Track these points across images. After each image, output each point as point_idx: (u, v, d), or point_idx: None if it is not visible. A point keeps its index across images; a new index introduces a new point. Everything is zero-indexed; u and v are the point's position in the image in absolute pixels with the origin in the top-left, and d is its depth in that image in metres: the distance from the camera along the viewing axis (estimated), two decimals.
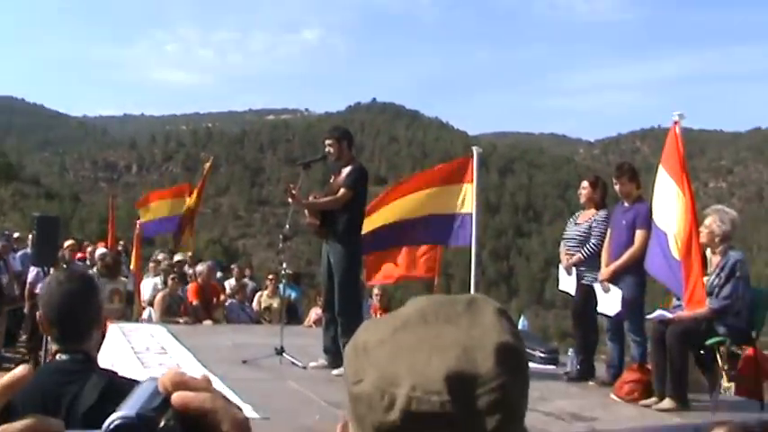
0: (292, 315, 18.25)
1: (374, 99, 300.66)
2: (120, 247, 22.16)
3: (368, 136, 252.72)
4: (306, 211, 10.77)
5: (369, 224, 14.51)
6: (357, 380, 1.27)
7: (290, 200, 10.74)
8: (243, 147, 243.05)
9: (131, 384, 3.00)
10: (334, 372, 9.93)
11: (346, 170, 10.53)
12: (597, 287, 10.55)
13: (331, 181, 10.81)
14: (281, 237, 11.44)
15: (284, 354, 10.42)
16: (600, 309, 10.67)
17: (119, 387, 3.50)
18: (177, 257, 19.60)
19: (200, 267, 16.82)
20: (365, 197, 10.95)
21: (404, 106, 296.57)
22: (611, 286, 10.25)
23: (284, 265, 11.93)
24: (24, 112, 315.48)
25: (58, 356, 3.67)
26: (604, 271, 10.24)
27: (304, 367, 10.42)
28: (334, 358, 10.27)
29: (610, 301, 10.35)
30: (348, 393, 1.29)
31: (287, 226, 11.15)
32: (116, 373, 3.78)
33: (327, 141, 10.66)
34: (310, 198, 10.77)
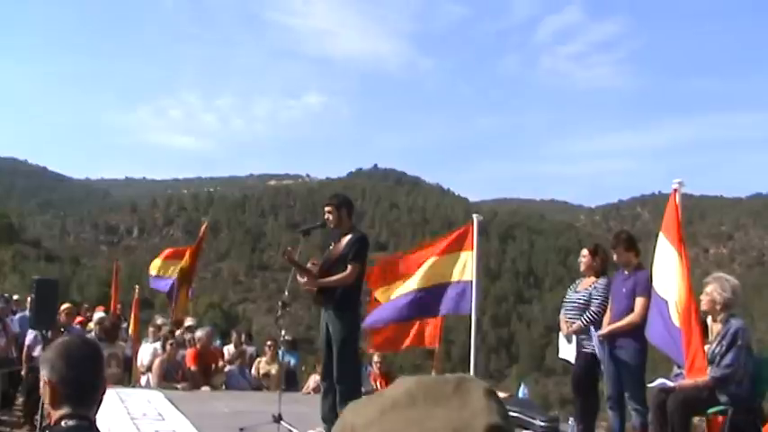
0: (291, 381, 18.16)
1: (375, 165, 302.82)
2: (118, 312, 22.12)
3: (369, 202, 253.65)
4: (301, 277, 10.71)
5: (381, 296, 14.60)
6: None
7: (288, 262, 10.71)
8: (244, 211, 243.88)
9: None
10: None
11: (347, 239, 10.48)
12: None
13: (331, 248, 10.76)
14: (279, 303, 11.37)
15: (282, 422, 10.31)
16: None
17: None
18: (188, 322, 19.59)
19: (198, 333, 16.72)
20: (365, 267, 10.89)
21: (405, 172, 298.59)
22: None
23: (283, 332, 11.89)
24: (27, 173, 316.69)
25: (63, 423, 3.58)
26: (603, 330, 10.22)
27: None
28: (332, 427, 10.15)
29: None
30: None
31: (286, 292, 11.10)
32: None
33: (327, 208, 10.63)
34: (308, 264, 10.70)
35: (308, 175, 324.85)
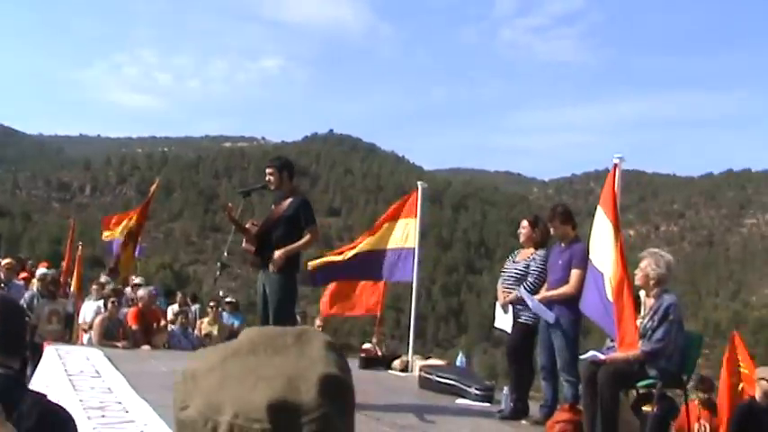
0: None
1: (331, 130, 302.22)
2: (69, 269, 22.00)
3: (323, 167, 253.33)
4: (243, 238, 10.69)
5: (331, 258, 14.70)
6: (183, 406, 1.28)
7: (227, 219, 10.70)
8: (198, 172, 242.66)
9: (59, 413, 2.95)
10: None
11: (288, 201, 10.45)
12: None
13: (272, 208, 10.76)
14: (218, 264, 11.38)
15: None
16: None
17: (51, 413, 3.50)
18: (135, 281, 19.52)
19: (140, 292, 16.66)
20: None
21: (360, 139, 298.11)
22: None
23: (221, 293, 11.91)
24: None
25: None
26: (537, 297, 10.31)
27: None
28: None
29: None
30: (174, 419, 1.30)
31: (225, 254, 11.11)
32: (45, 396, 3.74)
33: (268, 170, 10.62)
34: (248, 225, 10.68)
35: (263, 138, 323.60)
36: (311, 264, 14.43)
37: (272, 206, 10.75)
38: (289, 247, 10.33)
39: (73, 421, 3.67)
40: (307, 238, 10.40)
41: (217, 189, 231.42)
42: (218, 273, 11.49)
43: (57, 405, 3.71)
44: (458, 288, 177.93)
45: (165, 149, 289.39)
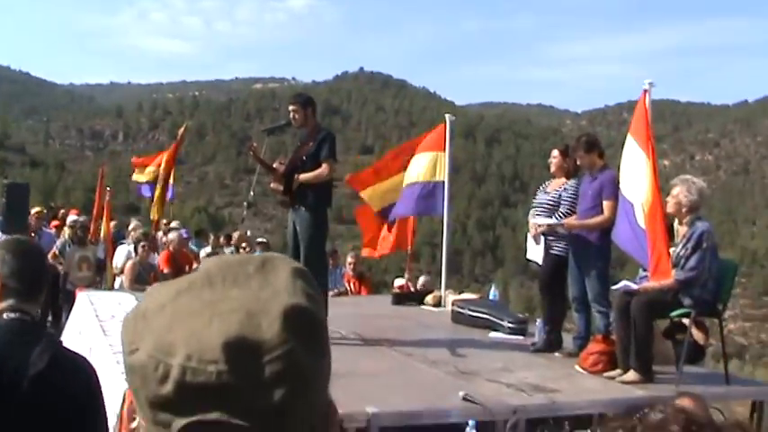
0: None
1: (361, 68, 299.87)
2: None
3: (355, 105, 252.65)
4: (272, 177, 10.61)
5: (369, 198, 14.72)
6: (132, 349, 1.14)
7: (253, 159, 10.62)
8: (229, 115, 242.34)
9: (76, 360, 2.88)
10: None
11: (314, 138, 10.39)
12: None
13: (298, 146, 10.68)
14: (245, 204, 11.32)
15: None
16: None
17: (65, 359, 3.52)
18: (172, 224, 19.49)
19: (171, 235, 16.67)
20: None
21: (391, 76, 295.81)
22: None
23: (248, 233, 11.85)
24: (9, 79, 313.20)
25: (5, 315, 3.56)
26: (569, 220, 10.19)
27: None
28: None
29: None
30: (124, 364, 1.17)
31: (251, 193, 11.07)
32: (61, 343, 3.71)
33: (291, 107, 10.54)
34: (275, 164, 10.61)
35: (293, 79, 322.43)
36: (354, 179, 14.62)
37: (298, 144, 10.68)
38: (303, 176, 10.26)
39: (89, 369, 3.62)
40: (321, 169, 10.27)
41: (249, 131, 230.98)
42: (244, 212, 11.49)
43: (73, 352, 3.69)
44: (493, 222, 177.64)
45: (196, 93, 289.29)
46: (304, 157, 10.34)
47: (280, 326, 1.11)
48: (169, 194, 20.77)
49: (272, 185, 10.62)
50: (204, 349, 1.08)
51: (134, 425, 1.19)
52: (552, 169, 11.03)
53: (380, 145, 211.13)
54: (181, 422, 1.09)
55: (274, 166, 10.56)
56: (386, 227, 15.62)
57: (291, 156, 10.69)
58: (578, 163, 10.39)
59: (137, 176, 21.01)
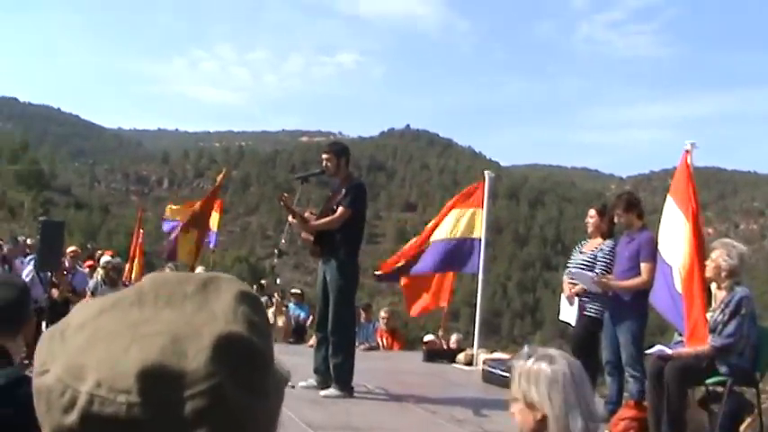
0: (298, 335, 18.03)
1: (408, 125, 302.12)
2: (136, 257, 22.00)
3: (400, 162, 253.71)
4: (303, 227, 10.50)
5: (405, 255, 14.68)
6: (42, 370, 0.97)
7: (289, 217, 10.51)
8: (274, 167, 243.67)
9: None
10: (322, 393, 9.80)
11: (345, 188, 10.29)
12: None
13: (330, 196, 10.60)
14: (276, 252, 11.20)
15: None
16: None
17: (23, 391, 3.36)
18: (197, 269, 19.35)
19: None
20: (364, 215, 10.68)
21: (437, 134, 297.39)
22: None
23: (278, 281, 11.71)
24: (59, 121, 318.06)
25: None
26: (604, 279, 9.98)
27: (292, 386, 10.13)
28: (324, 379, 10.17)
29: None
30: (33, 386, 0.99)
31: (282, 241, 10.94)
32: (26, 379, 3.57)
33: (325, 155, 10.48)
34: (306, 214, 10.51)
35: (339, 133, 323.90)
36: (385, 265, 14.50)
37: (330, 194, 10.59)
38: (314, 223, 10.20)
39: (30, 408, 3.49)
40: (333, 216, 10.20)
41: (293, 183, 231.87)
42: (275, 260, 11.36)
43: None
44: (533, 284, 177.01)
45: (242, 144, 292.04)
46: (335, 207, 10.23)
47: (208, 355, 0.94)
48: (212, 242, 20.71)
49: (302, 235, 10.53)
50: (117, 376, 0.91)
51: None
52: (589, 229, 10.91)
53: (424, 203, 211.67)
54: None
55: (306, 215, 10.46)
56: (429, 280, 15.48)
57: (323, 206, 10.62)
58: (616, 221, 10.22)
59: (166, 215, 20.84)
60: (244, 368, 0.96)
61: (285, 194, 10.70)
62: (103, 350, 0.94)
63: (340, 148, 10.67)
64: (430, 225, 14.97)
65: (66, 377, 0.93)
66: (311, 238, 10.32)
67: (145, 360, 0.92)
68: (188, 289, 1.03)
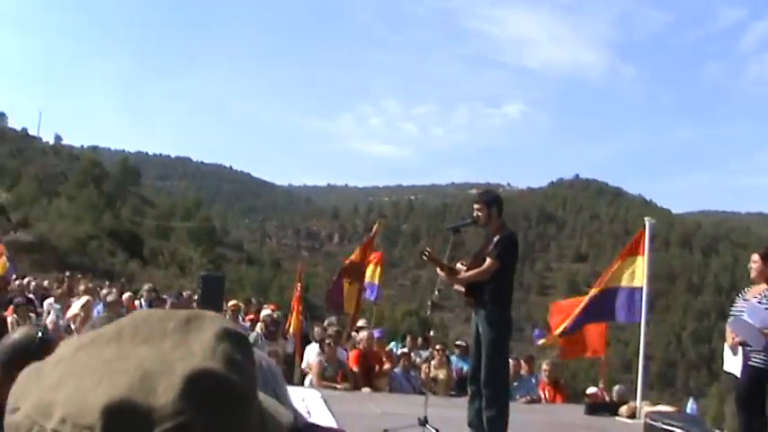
0: (462, 387, 17.86)
1: (577, 175, 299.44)
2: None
3: (570, 212, 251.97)
4: (453, 280, 10.40)
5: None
6: (14, 408, 0.93)
7: (437, 269, 10.44)
8: (444, 219, 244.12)
9: None
10: None
11: (496, 239, 10.17)
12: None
13: (482, 246, 10.48)
14: (429, 303, 11.13)
15: (427, 425, 10.05)
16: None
17: None
18: (360, 323, 19.39)
19: (362, 334, 16.69)
20: (514, 266, 10.54)
21: (606, 183, 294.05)
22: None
23: (431, 332, 11.64)
24: (230, 179, 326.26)
25: None
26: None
27: None
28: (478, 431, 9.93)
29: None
30: (4, 424, 0.95)
31: (436, 292, 10.88)
32: None
33: (476, 206, 10.38)
34: (458, 265, 10.43)
35: (509, 185, 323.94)
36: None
37: (483, 244, 10.48)
38: (462, 276, 10.10)
39: None
40: (483, 266, 10.09)
41: (464, 236, 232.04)
42: (429, 312, 11.29)
43: None
44: (709, 335, 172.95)
45: (412, 197, 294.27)
46: (486, 258, 10.10)
47: (177, 392, 0.88)
48: (373, 295, 20.76)
49: (454, 288, 10.44)
50: (82, 412, 0.87)
51: None
52: (753, 274, 10.54)
53: (595, 253, 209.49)
54: None
55: (457, 266, 10.38)
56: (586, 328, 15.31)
57: (474, 256, 10.52)
58: None
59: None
60: (216, 406, 0.90)
61: (428, 249, 10.65)
62: (73, 386, 0.90)
63: (491, 198, 10.58)
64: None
65: (35, 414, 0.90)
66: (462, 289, 10.23)
67: (111, 396, 0.87)
68: (168, 326, 0.98)
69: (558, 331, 15.21)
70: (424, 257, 10.59)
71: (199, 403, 0.88)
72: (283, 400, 2.47)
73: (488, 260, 10.01)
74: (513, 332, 10.62)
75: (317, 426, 2.25)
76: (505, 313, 10.27)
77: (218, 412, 0.89)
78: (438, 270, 10.38)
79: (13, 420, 0.92)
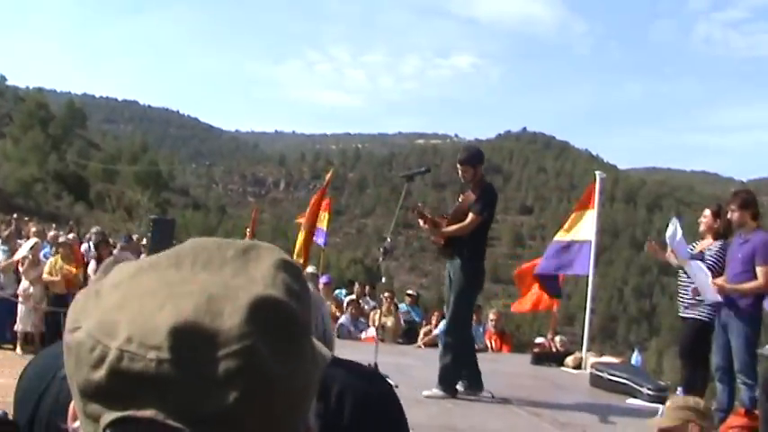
0: (410, 336, 17.99)
1: (524, 128, 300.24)
2: None
3: (516, 165, 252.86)
4: (433, 232, 10.43)
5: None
6: (74, 327, 0.94)
7: (419, 221, 10.46)
8: (391, 169, 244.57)
9: None
10: (425, 393, 9.66)
11: (476, 192, 10.20)
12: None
13: (459, 200, 10.55)
14: (381, 250, 11.14)
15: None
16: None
17: None
18: (309, 269, 19.42)
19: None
20: (491, 220, 10.57)
21: (554, 137, 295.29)
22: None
23: (383, 279, 11.68)
24: (178, 124, 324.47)
25: None
26: (719, 282, 9.68)
27: (396, 386, 10.05)
28: (470, 383, 10.20)
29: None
30: (64, 343, 0.96)
31: (388, 239, 10.91)
32: None
33: (460, 168, 10.33)
34: (437, 218, 10.46)
35: (456, 136, 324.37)
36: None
37: (460, 196, 10.58)
38: (446, 229, 10.18)
39: None
40: (464, 222, 10.10)
41: (410, 186, 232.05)
42: (380, 259, 11.31)
43: None
44: (650, 289, 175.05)
45: (359, 146, 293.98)
46: (466, 211, 10.18)
47: (244, 316, 0.89)
48: (322, 240, 20.77)
49: (433, 239, 10.46)
50: (148, 333, 0.88)
51: (75, 425, 0.99)
52: (701, 228, 10.72)
53: (540, 206, 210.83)
54: (110, 416, 0.90)
55: (437, 219, 10.47)
56: (537, 284, 15.44)
57: (455, 207, 10.58)
58: (729, 216, 9.90)
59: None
60: (280, 332, 0.92)
61: (419, 204, 10.79)
62: (137, 307, 0.91)
63: (472, 156, 10.48)
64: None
65: (98, 333, 0.91)
66: (441, 241, 10.30)
67: (178, 317, 0.88)
68: (227, 254, 1.00)
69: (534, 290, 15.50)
70: (414, 212, 10.58)
71: (263, 328, 0.90)
72: (328, 336, 2.51)
73: (471, 215, 10.06)
74: (483, 283, 10.67)
75: (341, 360, 2.32)
76: (480, 264, 10.34)
77: (281, 337, 0.91)
78: (421, 222, 10.39)
79: (74, 339, 0.93)
